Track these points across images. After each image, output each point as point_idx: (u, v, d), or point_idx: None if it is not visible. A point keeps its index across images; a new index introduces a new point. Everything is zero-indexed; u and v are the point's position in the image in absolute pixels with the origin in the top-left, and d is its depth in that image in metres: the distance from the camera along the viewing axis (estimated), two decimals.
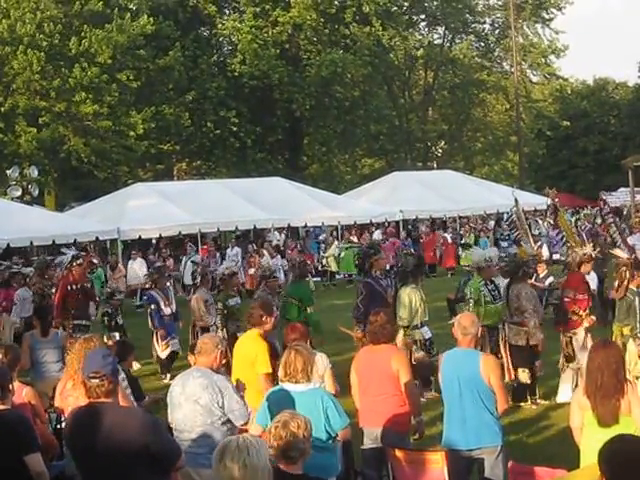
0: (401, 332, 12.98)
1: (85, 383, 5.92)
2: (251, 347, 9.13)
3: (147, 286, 18.94)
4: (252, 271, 28.12)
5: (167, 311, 15.85)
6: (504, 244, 34.17)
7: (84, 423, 5.88)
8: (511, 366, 12.78)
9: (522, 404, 12.61)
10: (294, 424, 5.35)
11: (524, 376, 12.67)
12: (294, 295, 14.93)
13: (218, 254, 30.62)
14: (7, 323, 16.66)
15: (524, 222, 18.79)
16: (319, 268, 32.41)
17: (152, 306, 15.87)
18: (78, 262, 16.28)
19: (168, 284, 17.05)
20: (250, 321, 9.53)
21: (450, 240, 34.28)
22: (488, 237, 34.61)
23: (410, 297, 13.15)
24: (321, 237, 34.53)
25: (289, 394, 7.09)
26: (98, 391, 5.83)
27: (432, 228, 38.17)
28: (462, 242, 33.63)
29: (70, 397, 7.83)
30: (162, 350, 15.94)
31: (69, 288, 15.79)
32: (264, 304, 9.81)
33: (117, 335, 16.24)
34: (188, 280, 25.42)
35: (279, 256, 29.84)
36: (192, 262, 24.59)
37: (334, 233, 35.27)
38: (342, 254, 31.74)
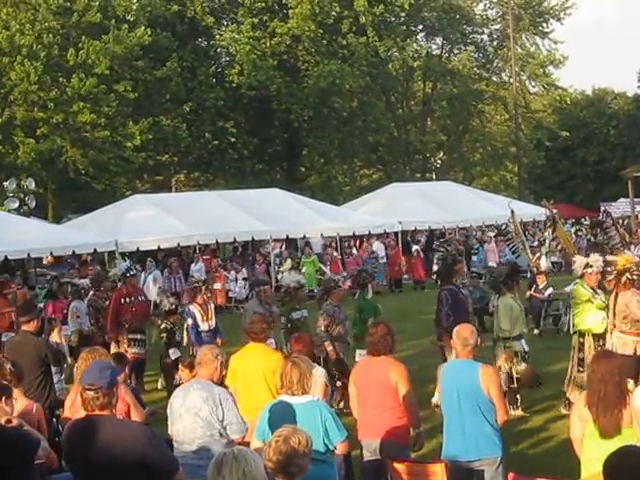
0: (501, 344, 12.74)
1: (82, 395, 5.91)
2: (269, 360, 9.04)
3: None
4: (218, 286, 27.85)
5: (204, 327, 15.07)
6: (474, 258, 33.68)
7: (81, 436, 5.88)
8: None
9: None
10: (295, 439, 5.26)
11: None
12: (356, 307, 14.12)
13: (181, 270, 30.01)
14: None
15: (521, 234, 18.79)
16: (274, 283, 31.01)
17: (189, 321, 15.12)
18: (132, 274, 16.03)
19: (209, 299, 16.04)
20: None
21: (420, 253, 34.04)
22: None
23: (509, 307, 12.80)
24: (275, 251, 33.63)
25: (289, 407, 7.04)
26: (92, 404, 5.82)
27: (429, 239, 38.03)
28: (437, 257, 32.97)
29: (81, 410, 7.79)
30: None
31: (122, 301, 15.47)
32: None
33: (178, 352, 15.36)
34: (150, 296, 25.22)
35: (244, 269, 29.44)
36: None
37: (284, 247, 35.10)
38: (303, 269, 29.63)
